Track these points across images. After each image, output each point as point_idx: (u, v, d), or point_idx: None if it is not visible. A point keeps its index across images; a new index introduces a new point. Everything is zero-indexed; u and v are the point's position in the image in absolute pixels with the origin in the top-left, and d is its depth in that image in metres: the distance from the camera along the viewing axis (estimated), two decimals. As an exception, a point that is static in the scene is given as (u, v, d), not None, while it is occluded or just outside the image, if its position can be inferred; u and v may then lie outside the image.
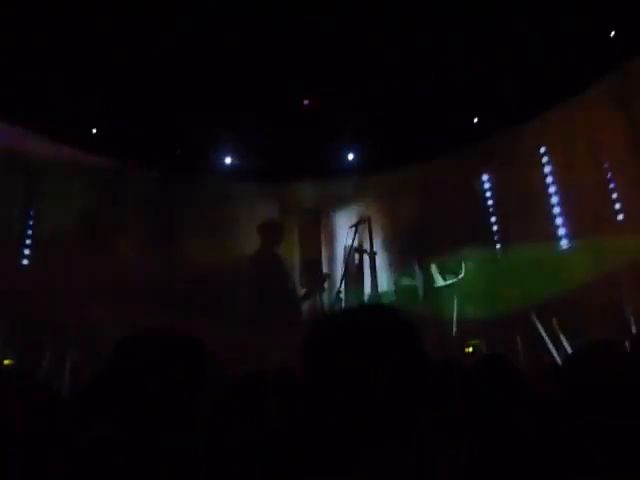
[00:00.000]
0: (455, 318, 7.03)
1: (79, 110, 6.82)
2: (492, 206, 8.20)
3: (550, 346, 6.12)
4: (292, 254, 8.48)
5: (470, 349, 6.56)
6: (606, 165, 6.89)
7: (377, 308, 1.08)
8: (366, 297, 7.62)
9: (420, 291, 7.51)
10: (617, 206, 6.73)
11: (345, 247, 7.72)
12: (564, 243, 7.32)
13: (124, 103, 6.81)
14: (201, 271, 7.42)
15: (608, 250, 6.30)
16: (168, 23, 5.76)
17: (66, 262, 6.83)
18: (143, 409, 1.13)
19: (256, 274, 8.03)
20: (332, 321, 1.06)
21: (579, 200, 6.99)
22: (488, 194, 8.26)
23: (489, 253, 8.02)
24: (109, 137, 7.31)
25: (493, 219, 8.16)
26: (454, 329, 6.89)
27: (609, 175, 6.84)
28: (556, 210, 7.44)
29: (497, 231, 8.09)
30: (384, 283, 8.14)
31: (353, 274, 7.88)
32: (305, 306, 7.87)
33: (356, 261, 7.89)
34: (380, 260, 7.95)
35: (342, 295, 7.55)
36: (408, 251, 7.85)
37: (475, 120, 7.66)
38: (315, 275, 8.27)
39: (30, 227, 7.29)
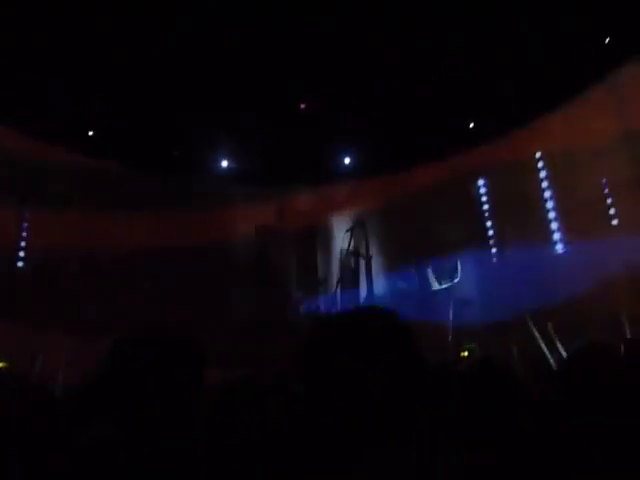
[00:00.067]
0: (451, 321, 7.04)
1: (77, 112, 6.81)
2: (488, 210, 8.24)
3: (545, 350, 6.14)
4: (288, 257, 8.48)
5: (466, 353, 6.57)
6: (601, 170, 6.94)
7: (373, 311, 1.09)
8: (362, 300, 7.62)
9: (416, 295, 7.52)
10: (612, 211, 6.78)
11: (341, 251, 7.74)
12: (559, 247, 7.36)
13: (122, 106, 6.80)
14: (198, 273, 7.41)
15: (603, 254, 6.34)
16: (168, 25, 5.77)
17: (62, 263, 6.80)
18: (142, 409, 1.13)
19: (253, 276, 8.03)
20: (329, 324, 1.07)
21: (574, 205, 7.03)
22: (484, 198, 8.30)
23: (485, 257, 8.06)
24: (106, 139, 7.30)
25: (489, 223, 8.20)
26: (450, 332, 6.90)
27: (604, 180, 6.89)
28: (551, 215, 7.48)
29: (493, 235, 8.12)
30: (380, 286, 8.15)
31: (349, 277, 7.89)
32: (302, 309, 7.86)
33: (352, 265, 7.90)
34: (376, 264, 7.96)
35: (338, 299, 7.56)
36: (404, 255, 7.87)
37: (471, 125, 7.70)
38: (311, 278, 8.27)
39: (26, 229, 7.27)
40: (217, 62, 6.34)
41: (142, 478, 1.06)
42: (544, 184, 7.60)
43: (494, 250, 8.06)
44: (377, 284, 7.98)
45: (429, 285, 7.62)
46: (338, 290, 7.33)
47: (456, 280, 7.55)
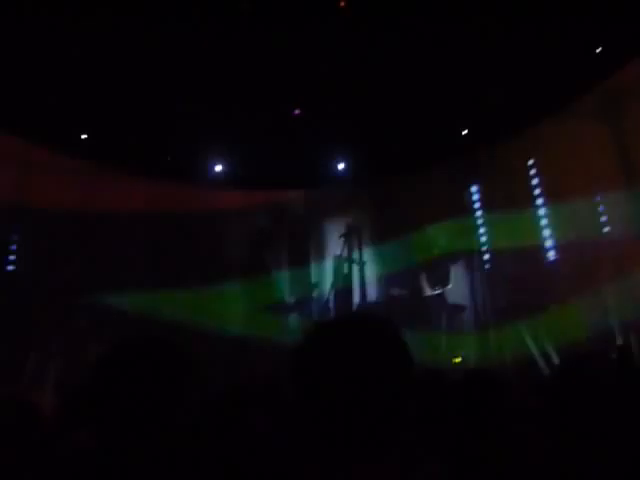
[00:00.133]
0: (443, 327, 7.05)
1: (69, 115, 6.77)
2: (480, 217, 8.28)
3: (537, 357, 6.16)
4: (281, 263, 8.46)
5: (458, 359, 6.58)
6: (592, 178, 7.00)
7: (366, 318, 1.08)
8: (355, 307, 7.61)
9: (408, 301, 7.52)
10: (603, 219, 6.83)
11: (334, 257, 7.73)
12: (551, 255, 7.41)
13: (114, 108, 6.78)
14: (189, 278, 7.38)
15: (594, 262, 6.39)
16: (162, 27, 5.76)
17: (52, 269, 6.76)
18: (127, 418, 1.12)
19: (245, 283, 8.00)
20: (321, 331, 1.06)
21: (566, 212, 7.08)
22: (476, 205, 8.34)
23: (477, 263, 8.09)
24: (99, 142, 7.26)
25: (481, 230, 8.23)
26: (442, 339, 6.91)
27: (595, 188, 6.95)
28: (543, 222, 7.53)
29: (485, 242, 8.16)
30: (373, 293, 8.15)
31: (342, 283, 7.88)
32: (294, 316, 7.84)
33: (345, 270, 7.89)
34: (369, 269, 7.96)
35: (331, 305, 7.54)
36: (397, 261, 7.87)
37: (464, 132, 7.75)
38: (305, 284, 8.26)
39: (16, 233, 7.21)
40: (208, 68, 6.34)
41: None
42: (536, 191, 7.66)
43: (486, 256, 8.09)
44: (370, 290, 7.98)
45: (422, 291, 7.63)
46: (331, 296, 7.31)
47: (449, 286, 7.57)
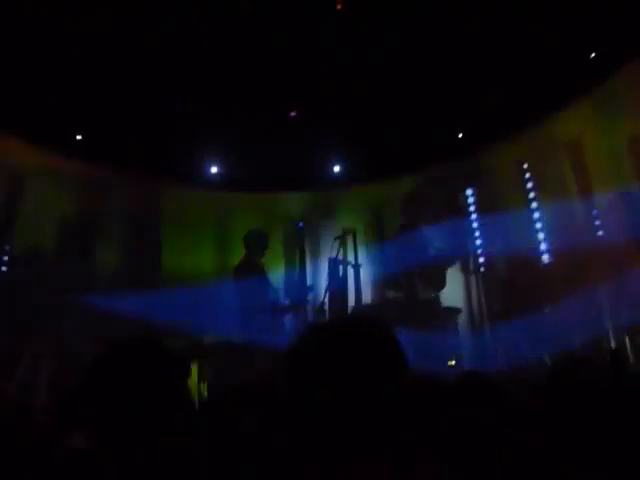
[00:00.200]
0: (439, 330, 7.05)
1: (64, 115, 6.75)
2: (475, 220, 8.31)
3: (531, 360, 6.17)
4: (276, 265, 8.45)
5: (453, 362, 6.58)
6: (587, 181, 7.03)
7: (361, 321, 1.08)
8: (350, 310, 7.60)
9: (404, 303, 7.51)
10: (597, 222, 6.86)
11: (330, 259, 7.72)
12: (545, 258, 7.44)
13: (110, 110, 6.76)
14: (184, 280, 7.37)
15: (588, 265, 6.41)
16: (158, 28, 5.75)
17: (45, 270, 6.73)
18: (121, 421, 1.11)
19: (239, 285, 7.98)
20: (316, 334, 1.06)
21: (560, 216, 7.11)
22: (472, 208, 8.37)
23: (472, 266, 8.11)
24: (94, 144, 7.24)
25: (476, 233, 8.26)
26: (437, 341, 6.90)
27: (590, 191, 6.98)
28: (538, 225, 7.56)
29: (480, 245, 8.18)
30: (368, 295, 8.14)
31: (337, 286, 7.87)
32: (289, 318, 7.82)
33: (340, 273, 7.87)
34: (364, 272, 7.96)
35: (326, 307, 7.52)
36: (392, 264, 7.88)
37: (460, 135, 7.78)
38: (299, 287, 8.24)
39: (9, 233, 7.16)
40: (204, 70, 6.34)
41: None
42: (531, 194, 7.69)
43: (482, 259, 8.12)
44: (365, 292, 7.97)
45: (417, 294, 7.63)
46: (326, 298, 7.30)
47: (444, 289, 7.58)
